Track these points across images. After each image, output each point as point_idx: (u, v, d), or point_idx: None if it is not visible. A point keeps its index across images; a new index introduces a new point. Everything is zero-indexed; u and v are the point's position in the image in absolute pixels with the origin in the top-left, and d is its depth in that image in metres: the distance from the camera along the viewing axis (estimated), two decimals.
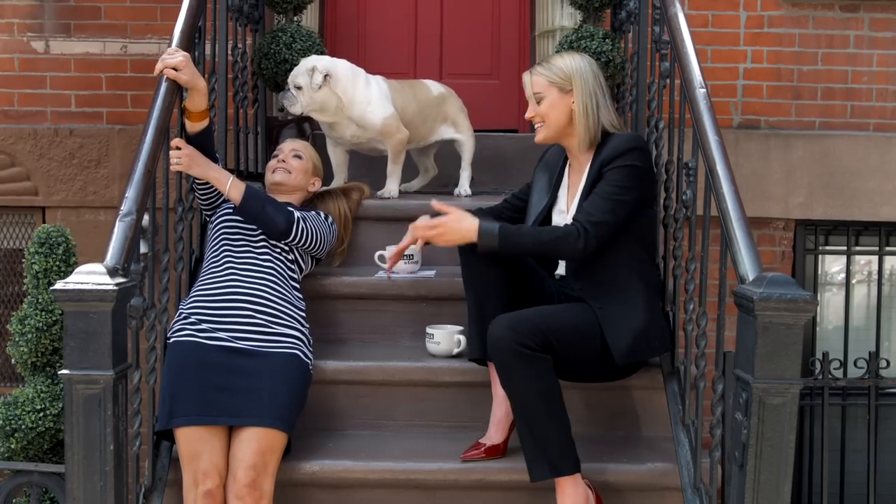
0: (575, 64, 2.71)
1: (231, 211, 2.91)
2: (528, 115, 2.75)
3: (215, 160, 2.89)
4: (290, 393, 2.63)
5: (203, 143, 2.85)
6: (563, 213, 2.76)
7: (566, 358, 2.52)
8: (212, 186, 2.91)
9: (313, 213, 2.99)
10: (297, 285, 2.90)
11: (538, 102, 2.71)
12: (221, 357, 2.63)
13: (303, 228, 2.85)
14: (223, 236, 2.88)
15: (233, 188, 2.81)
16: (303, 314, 2.83)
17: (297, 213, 2.87)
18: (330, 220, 3.05)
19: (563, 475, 2.47)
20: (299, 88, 3.44)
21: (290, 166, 3.04)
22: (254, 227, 2.86)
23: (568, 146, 2.76)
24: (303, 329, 2.79)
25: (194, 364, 2.61)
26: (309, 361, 2.75)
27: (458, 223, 2.59)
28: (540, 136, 2.75)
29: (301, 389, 2.69)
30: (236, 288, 2.74)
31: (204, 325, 2.68)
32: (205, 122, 2.83)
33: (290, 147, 3.11)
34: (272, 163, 3.08)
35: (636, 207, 2.61)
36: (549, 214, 2.80)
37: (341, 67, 3.49)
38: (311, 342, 2.83)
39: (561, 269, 2.80)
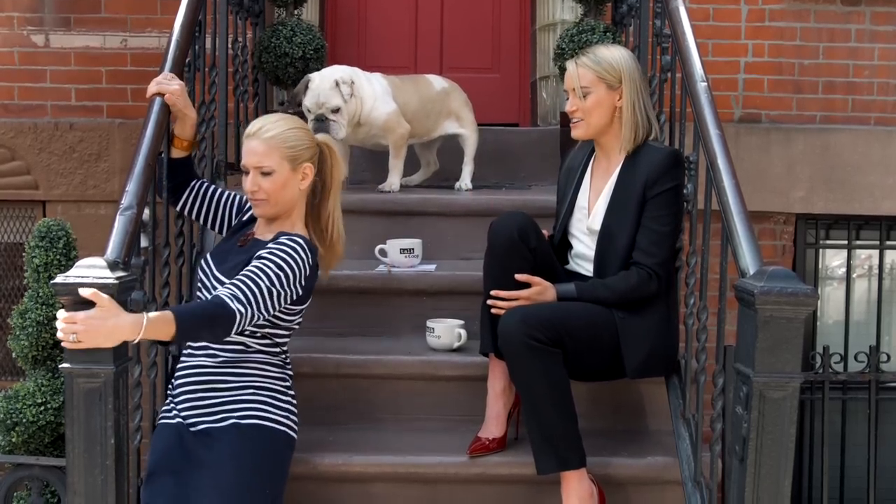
0: (623, 58, 2.64)
1: (203, 263, 2.51)
2: (569, 108, 2.67)
3: (189, 179, 2.65)
4: (240, 479, 2.27)
5: (184, 171, 2.64)
6: (584, 210, 2.72)
7: (576, 354, 2.52)
8: (197, 203, 2.65)
9: (272, 259, 2.31)
10: (266, 343, 2.43)
11: (584, 97, 2.63)
12: (182, 444, 2.33)
13: (248, 314, 2.23)
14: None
15: (150, 332, 2.08)
16: (271, 372, 2.43)
17: (234, 306, 2.20)
18: (298, 257, 2.34)
19: (570, 469, 2.47)
20: (336, 111, 3.35)
21: (264, 192, 2.40)
22: (207, 284, 2.44)
23: (603, 143, 2.70)
24: (270, 392, 2.39)
25: (162, 454, 2.34)
26: (277, 426, 2.38)
27: (540, 296, 2.56)
28: (578, 132, 2.67)
29: (263, 466, 2.32)
30: (190, 361, 2.43)
31: (169, 405, 2.43)
32: (189, 152, 2.65)
33: (254, 162, 2.39)
34: (244, 183, 2.45)
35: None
36: (569, 215, 2.78)
37: (350, 71, 3.48)
38: (288, 398, 2.45)
39: (572, 265, 2.79)
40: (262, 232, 2.49)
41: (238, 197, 2.67)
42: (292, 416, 2.45)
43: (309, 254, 2.38)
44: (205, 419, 2.35)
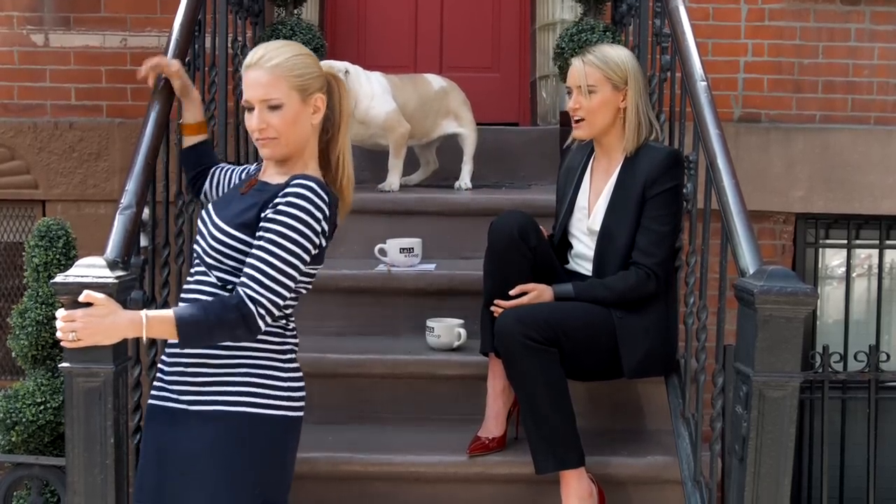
0: (629, 59, 2.65)
1: (203, 213, 2.22)
2: (571, 105, 2.65)
3: (210, 165, 2.49)
4: (224, 475, 2.05)
5: (204, 157, 2.50)
6: (584, 210, 2.73)
7: (573, 354, 2.52)
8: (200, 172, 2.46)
9: (284, 223, 2.03)
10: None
11: (589, 95, 2.61)
12: (164, 427, 2.12)
13: (268, 305, 2.01)
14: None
15: (152, 332, 1.99)
16: (270, 344, 2.11)
17: (252, 308, 1.99)
18: (313, 205, 2.05)
19: (569, 468, 2.47)
20: None
21: (273, 129, 2.10)
22: (199, 246, 2.16)
23: (604, 144, 2.70)
24: (266, 371, 2.10)
25: (148, 439, 2.16)
26: (273, 411, 2.09)
27: (538, 299, 2.57)
28: (581, 133, 2.67)
29: (253, 458, 2.07)
30: None
31: (157, 383, 2.17)
32: (203, 135, 2.51)
33: (260, 95, 2.09)
34: (246, 119, 2.14)
35: None
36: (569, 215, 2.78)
37: (347, 64, 3.51)
38: (289, 374, 2.14)
39: (572, 265, 2.79)
40: (269, 175, 2.18)
41: (231, 170, 2.44)
42: (294, 394, 2.13)
43: (325, 196, 2.07)
44: (194, 398, 2.08)
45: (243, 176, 2.38)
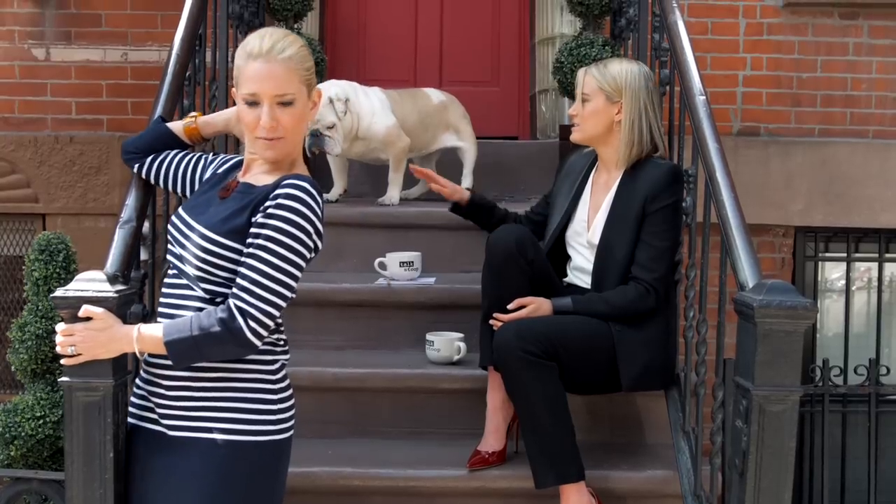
0: (630, 75, 2.67)
1: (175, 219, 2.05)
2: (571, 111, 2.76)
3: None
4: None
5: (174, 145, 2.30)
6: (583, 223, 2.74)
7: (571, 367, 2.52)
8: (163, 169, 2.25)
9: (280, 228, 1.88)
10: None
11: (583, 103, 2.70)
12: (141, 449, 2.05)
13: (260, 317, 1.87)
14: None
15: (144, 345, 1.95)
16: (258, 363, 1.96)
17: (236, 314, 1.87)
18: (309, 209, 1.90)
19: (568, 482, 2.47)
20: (331, 127, 3.39)
21: (283, 128, 1.93)
22: (178, 246, 2.01)
23: (602, 154, 2.74)
24: (253, 395, 1.94)
25: (130, 460, 2.08)
26: (262, 437, 1.95)
27: (536, 312, 2.57)
28: (574, 136, 2.75)
29: (238, 488, 1.94)
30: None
31: (136, 400, 2.06)
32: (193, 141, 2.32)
33: (273, 89, 1.91)
34: (245, 113, 1.94)
35: None
36: (566, 226, 2.79)
37: (346, 88, 3.50)
38: (279, 396, 1.98)
39: (571, 278, 2.80)
40: (254, 176, 2.02)
41: (196, 157, 2.23)
42: (284, 416, 1.99)
43: (319, 196, 1.94)
44: (174, 422, 1.96)
45: (217, 170, 2.15)
